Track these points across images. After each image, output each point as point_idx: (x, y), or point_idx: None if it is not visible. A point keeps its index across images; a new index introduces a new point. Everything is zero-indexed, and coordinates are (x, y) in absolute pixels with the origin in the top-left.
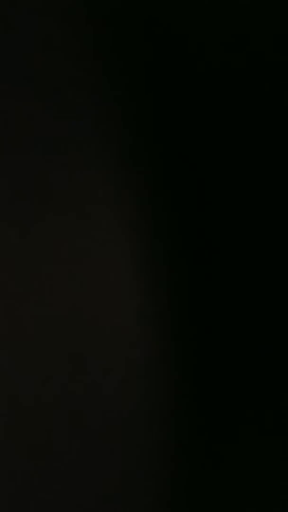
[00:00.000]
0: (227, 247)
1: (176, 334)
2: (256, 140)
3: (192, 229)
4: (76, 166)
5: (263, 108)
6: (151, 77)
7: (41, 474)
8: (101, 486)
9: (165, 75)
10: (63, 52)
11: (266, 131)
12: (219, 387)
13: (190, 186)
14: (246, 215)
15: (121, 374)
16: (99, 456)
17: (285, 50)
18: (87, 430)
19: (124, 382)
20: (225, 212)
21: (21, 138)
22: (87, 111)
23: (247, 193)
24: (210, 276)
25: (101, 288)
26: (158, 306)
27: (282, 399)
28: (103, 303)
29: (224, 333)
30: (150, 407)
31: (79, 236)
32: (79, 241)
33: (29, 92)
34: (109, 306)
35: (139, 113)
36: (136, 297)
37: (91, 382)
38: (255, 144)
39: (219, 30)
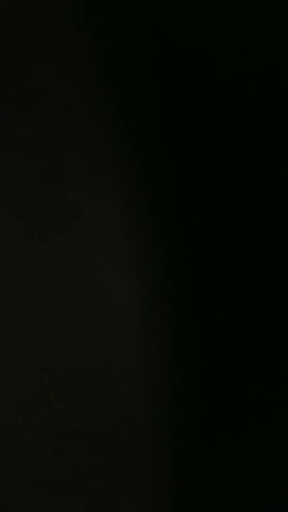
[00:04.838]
0: (229, 248)
1: (177, 338)
2: (259, 139)
3: (193, 231)
4: (75, 166)
5: (264, 109)
6: (152, 75)
7: (40, 473)
8: (101, 487)
9: (166, 75)
10: (62, 49)
11: (267, 132)
12: (220, 392)
13: (191, 186)
14: (248, 213)
15: (121, 378)
16: (99, 459)
17: (285, 48)
18: (87, 432)
19: (123, 385)
20: (227, 212)
21: (20, 138)
22: (87, 110)
23: (249, 191)
24: (211, 277)
25: (100, 290)
26: (159, 309)
27: (282, 402)
28: (103, 306)
29: (225, 338)
30: (149, 412)
31: (79, 238)
32: (79, 243)
33: (29, 90)
34: (109, 310)
35: (140, 111)
36: (137, 299)
37: (90, 385)
38: (257, 143)
39: (219, 28)
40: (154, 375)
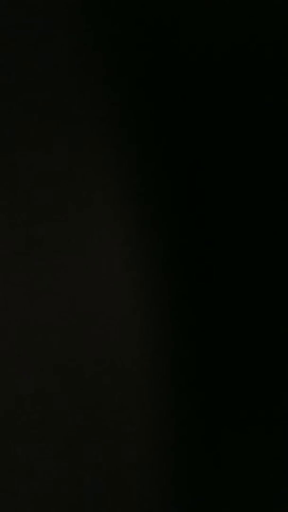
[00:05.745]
0: (228, 247)
1: (176, 336)
2: (259, 141)
3: (192, 230)
4: (76, 167)
5: (264, 109)
6: (151, 76)
7: (39, 472)
8: (101, 486)
9: (166, 76)
10: (63, 52)
11: (266, 132)
12: (220, 390)
13: (190, 186)
14: (247, 213)
15: (119, 377)
16: (98, 457)
17: (284, 48)
18: (85, 432)
19: (121, 384)
20: (226, 211)
21: (21, 139)
22: (87, 110)
23: (248, 192)
24: (211, 277)
25: (99, 290)
26: (158, 308)
27: (281, 399)
28: (101, 306)
29: (226, 336)
30: (149, 409)
31: (79, 238)
32: (78, 242)
33: (29, 91)
34: (108, 310)
35: (139, 111)
36: (136, 298)
37: (89, 385)
38: (257, 144)
39: (219, 27)
40: (154, 374)
